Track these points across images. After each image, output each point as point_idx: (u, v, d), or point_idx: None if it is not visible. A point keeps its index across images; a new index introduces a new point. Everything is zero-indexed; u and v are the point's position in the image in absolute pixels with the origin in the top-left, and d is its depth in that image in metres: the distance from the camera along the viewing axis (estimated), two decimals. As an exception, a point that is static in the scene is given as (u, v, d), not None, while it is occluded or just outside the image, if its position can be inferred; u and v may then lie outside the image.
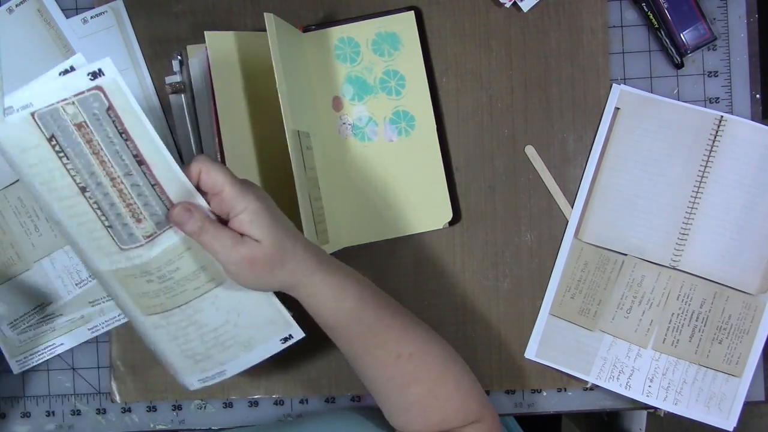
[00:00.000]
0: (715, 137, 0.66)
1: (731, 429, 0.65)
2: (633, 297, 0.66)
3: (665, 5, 0.66)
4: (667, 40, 0.66)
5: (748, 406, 0.66)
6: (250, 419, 0.69)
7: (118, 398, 0.68)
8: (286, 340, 0.53)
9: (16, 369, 0.68)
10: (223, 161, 0.66)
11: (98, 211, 0.46)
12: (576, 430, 1.03)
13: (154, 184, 0.44)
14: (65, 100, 0.41)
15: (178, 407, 0.69)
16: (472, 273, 0.68)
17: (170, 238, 0.48)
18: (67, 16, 0.68)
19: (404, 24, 0.67)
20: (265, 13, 0.58)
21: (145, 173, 0.44)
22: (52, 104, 0.41)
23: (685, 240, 0.66)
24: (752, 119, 0.67)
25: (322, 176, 0.65)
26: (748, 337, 0.66)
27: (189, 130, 0.67)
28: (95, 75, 0.40)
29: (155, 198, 0.45)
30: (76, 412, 0.69)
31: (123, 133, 0.42)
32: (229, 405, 0.69)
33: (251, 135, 0.64)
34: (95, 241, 0.48)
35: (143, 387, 0.68)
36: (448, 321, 0.68)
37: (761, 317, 0.65)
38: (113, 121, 0.41)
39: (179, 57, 0.67)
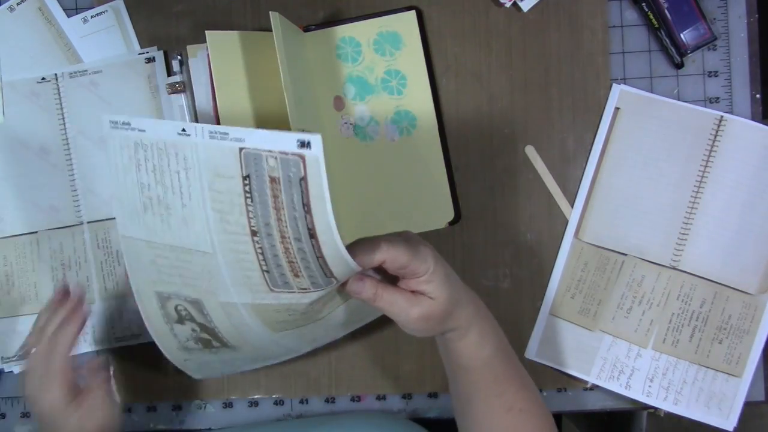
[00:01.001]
0: (715, 137, 0.66)
1: (731, 429, 0.65)
2: (633, 297, 0.67)
3: (665, 5, 0.66)
4: (667, 40, 0.67)
5: (748, 406, 0.66)
6: (250, 419, 0.69)
7: (117, 398, 0.68)
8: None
9: (16, 369, 0.68)
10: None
11: (260, 255, 0.48)
12: (576, 430, 1.03)
13: (319, 257, 0.46)
14: (271, 152, 0.43)
15: (177, 407, 0.69)
16: (472, 273, 0.68)
17: (319, 293, 0.50)
18: (68, 16, 0.68)
19: (406, 23, 0.67)
20: (270, 12, 0.58)
21: (313, 245, 0.45)
22: (259, 149, 0.43)
23: (685, 240, 0.66)
24: (752, 119, 0.67)
25: (323, 176, 0.65)
26: (748, 337, 0.66)
27: (189, 130, 0.67)
28: (303, 144, 0.42)
29: (317, 266, 0.47)
30: (76, 412, 0.69)
31: (306, 205, 0.43)
32: (229, 405, 0.69)
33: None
34: (246, 278, 0.50)
35: (143, 387, 0.68)
36: (448, 321, 0.68)
37: (761, 317, 0.65)
38: (302, 191, 0.43)
39: (179, 57, 0.67)
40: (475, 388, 0.54)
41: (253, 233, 0.47)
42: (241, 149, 0.44)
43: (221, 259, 0.49)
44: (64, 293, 0.58)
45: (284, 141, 0.42)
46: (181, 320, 0.55)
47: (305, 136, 0.41)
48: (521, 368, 0.56)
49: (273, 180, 0.44)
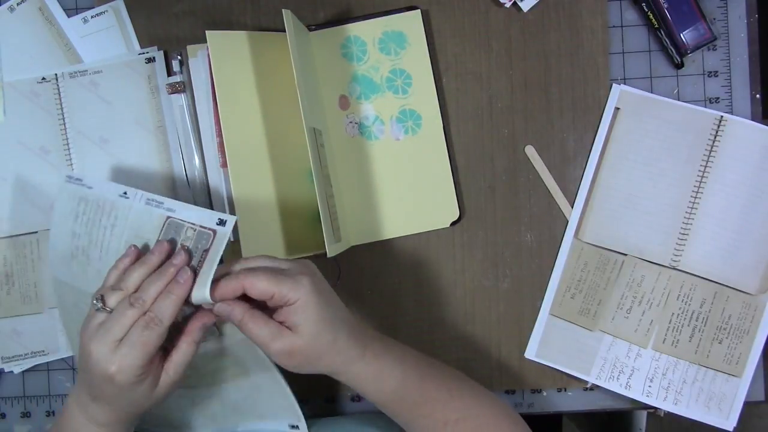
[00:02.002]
0: (715, 137, 0.66)
1: (731, 429, 0.65)
2: (633, 297, 0.66)
3: (665, 5, 0.66)
4: (667, 40, 0.67)
5: (748, 406, 0.66)
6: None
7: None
8: (294, 428, 0.59)
9: (16, 369, 0.68)
10: (224, 161, 0.66)
11: None
12: (576, 430, 1.03)
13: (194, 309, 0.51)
14: (193, 224, 0.49)
15: (178, 407, 0.69)
16: (472, 273, 0.68)
17: (210, 346, 0.54)
18: (68, 16, 0.68)
19: (411, 23, 0.67)
20: (283, 10, 0.59)
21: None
22: (184, 221, 0.50)
23: (685, 240, 0.66)
24: (752, 119, 0.67)
25: (330, 175, 0.65)
26: (748, 337, 0.66)
27: (189, 130, 0.67)
28: (221, 222, 0.48)
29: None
30: (76, 412, 0.69)
31: (197, 268, 0.48)
32: (229, 405, 0.69)
33: (254, 135, 0.64)
34: None
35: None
36: (448, 321, 0.68)
37: (761, 317, 0.65)
38: (200, 259, 0.48)
39: (179, 57, 0.67)
40: (399, 417, 0.53)
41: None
42: (168, 218, 0.50)
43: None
44: (161, 251, 0.50)
45: (207, 218, 0.49)
46: None
47: (225, 216, 0.48)
48: (446, 380, 0.54)
49: (183, 247, 0.49)
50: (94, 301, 0.48)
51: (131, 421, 0.52)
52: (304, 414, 0.59)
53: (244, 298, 0.48)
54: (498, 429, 0.53)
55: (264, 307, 0.48)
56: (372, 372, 0.51)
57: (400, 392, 0.52)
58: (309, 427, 0.60)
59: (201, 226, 0.48)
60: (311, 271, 0.50)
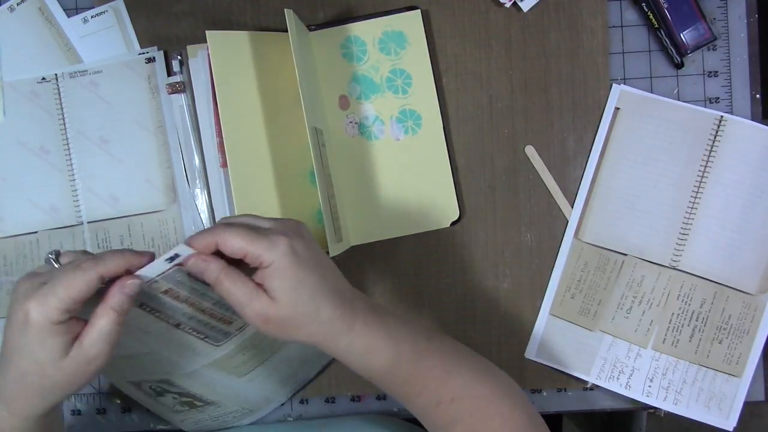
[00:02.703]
0: (715, 137, 0.66)
1: (731, 429, 0.65)
2: (633, 297, 0.66)
3: (665, 5, 0.66)
4: (667, 40, 0.67)
5: (748, 406, 0.66)
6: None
7: (118, 398, 0.68)
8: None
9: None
10: (224, 161, 0.66)
11: (192, 333, 0.51)
12: (576, 430, 1.03)
13: None
14: (154, 279, 0.45)
15: (178, 407, 0.69)
16: (472, 273, 0.68)
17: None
18: (68, 16, 0.68)
19: (411, 23, 0.67)
20: (285, 9, 0.59)
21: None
22: (148, 279, 0.45)
23: (685, 240, 0.66)
24: (752, 119, 0.67)
25: (330, 175, 0.65)
26: (748, 337, 0.66)
27: (189, 130, 0.67)
28: (173, 258, 0.44)
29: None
30: (76, 412, 0.69)
31: (201, 281, 0.46)
32: (229, 405, 0.69)
33: (254, 135, 0.64)
34: (192, 351, 0.53)
35: (143, 387, 0.68)
36: (448, 321, 0.68)
37: (761, 317, 0.65)
38: (189, 276, 0.45)
39: (179, 57, 0.67)
40: (392, 393, 0.50)
41: (177, 326, 0.50)
42: (147, 284, 0.46)
43: (165, 353, 0.54)
44: (150, 256, 0.46)
45: (158, 266, 0.44)
46: (160, 394, 0.60)
47: (170, 252, 0.43)
48: (446, 354, 0.51)
49: (166, 291, 0.46)
50: (48, 255, 0.45)
51: (34, 412, 0.45)
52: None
53: (222, 258, 0.44)
54: (497, 409, 0.50)
55: (244, 268, 0.45)
56: (359, 347, 0.47)
57: (389, 370, 0.48)
58: (309, 427, 0.59)
59: (159, 274, 0.44)
60: (296, 232, 0.46)
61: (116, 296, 0.43)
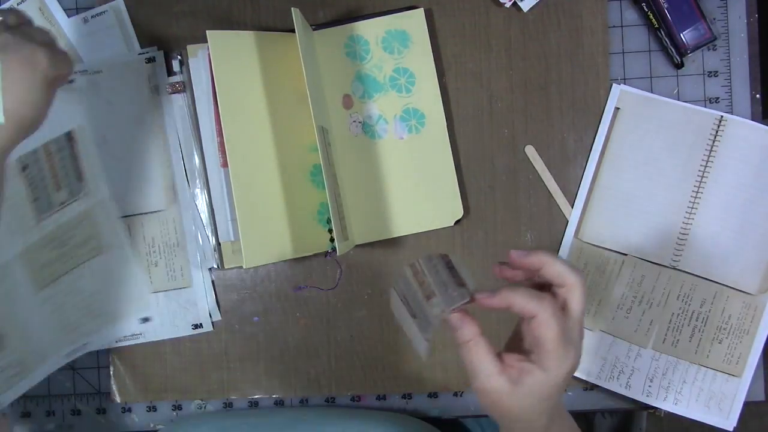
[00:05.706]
0: (715, 137, 0.66)
1: (731, 429, 0.65)
2: (633, 297, 0.67)
3: (665, 5, 0.66)
4: (667, 40, 0.67)
5: (748, 406, 0.66)
6: (250, 419, 0.69)
7: (117, 398, 0.68)
8: (145, 320, 0.62)
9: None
10: (224, 161, 0.66)
11: (30, 187, 0.57)
12: (576, 431, 1.03)
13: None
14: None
15: (178, 407, 0.69)
16: (472, 273, 0.67)
17: (76, 208, 0.57)
18: (68, 16, 0.68)
19: (414, 22, 0.67)
20: (292, 9, 0.59)
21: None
22: None
23: (685, 240, 0.66)
24: (752, 119, 0.67)
25: (335, 174, 0.65)
26: (748, 337, 0.66)
27: (189, 130, 0.67)
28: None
29: (73, 170, 0.55)
30: (76, 412, 0.69)
31: None
32: (229, 405, 0.69)
33: (254, 134, 0.64)
34: (18, 219, 0.57)
35: (143, 387, 0.68)
36: (448, 321, 0.67)
37: (761, 317, 0.65)
38: None
39: (179, 57, 0.67)
40: None
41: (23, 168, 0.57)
42: None
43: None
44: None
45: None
46: None
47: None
48: None
49: None
50: None
51: None
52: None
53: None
54: None
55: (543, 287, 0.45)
56: None
57: None
58: (319, 419, 0.59)
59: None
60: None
61: None
